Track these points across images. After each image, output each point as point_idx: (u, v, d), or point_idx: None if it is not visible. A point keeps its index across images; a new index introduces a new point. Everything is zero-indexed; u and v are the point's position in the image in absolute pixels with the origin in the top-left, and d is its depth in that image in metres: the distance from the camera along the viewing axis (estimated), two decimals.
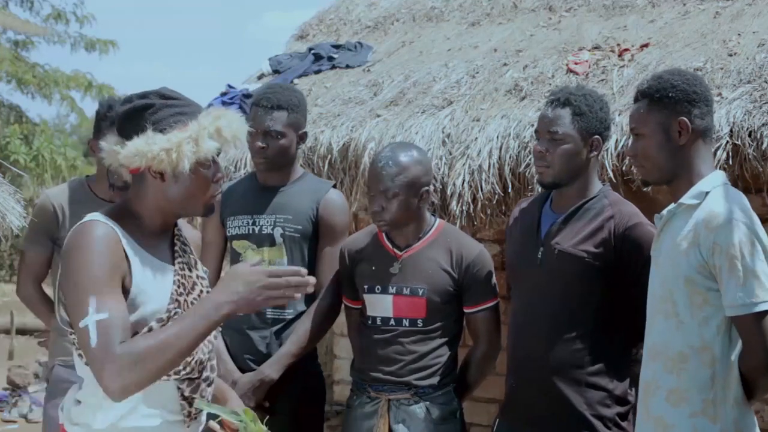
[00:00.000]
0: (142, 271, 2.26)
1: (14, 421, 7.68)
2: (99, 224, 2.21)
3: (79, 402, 2.36)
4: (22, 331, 11.02)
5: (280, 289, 2.15)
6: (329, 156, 4.91)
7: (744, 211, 2.53)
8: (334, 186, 3.57)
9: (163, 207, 2.32)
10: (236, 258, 3.51)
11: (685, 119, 2.63)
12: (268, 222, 3.46)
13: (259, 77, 6.07)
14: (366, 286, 3.37)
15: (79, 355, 2.29)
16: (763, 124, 3.94)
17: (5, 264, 15.88)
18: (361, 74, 5.71)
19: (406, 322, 3.31)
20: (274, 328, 3.46)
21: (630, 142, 2.81)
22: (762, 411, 4.80)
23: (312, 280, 2.18)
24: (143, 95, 2.30)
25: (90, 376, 2.25)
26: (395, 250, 3.35)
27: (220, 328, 2.43)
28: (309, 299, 3.45)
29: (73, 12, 14.09)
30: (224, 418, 2.36)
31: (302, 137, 3.54)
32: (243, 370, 3.46)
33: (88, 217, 2.26)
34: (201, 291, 2.41)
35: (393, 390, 3.31)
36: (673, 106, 2.65)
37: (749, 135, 3.95)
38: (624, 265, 3.00)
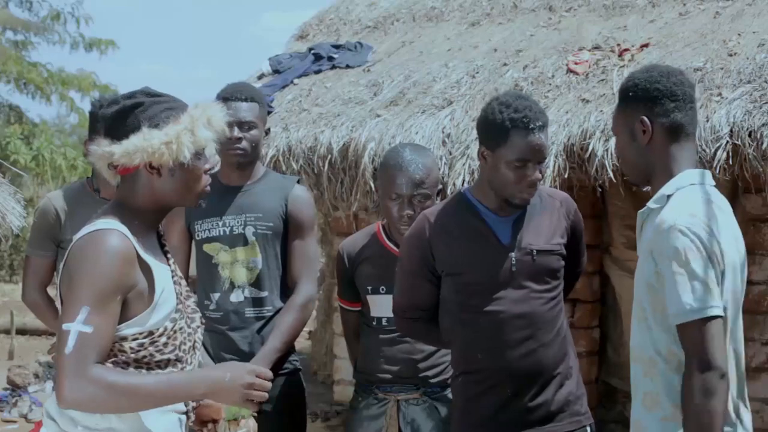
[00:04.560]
0: (159, 271, 2.29)
1: (14, 421, 7.66)
2: (114, 235, 2.20)
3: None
4: (22, 331, 11.02)
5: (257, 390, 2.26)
6: (329, 156, 4.92)
7: (694, 216, 2.40)
8: (299, 182, 3.57)
9: (159, 202, 2.33)
10: (206, 261, 3.48)
11: (645, 118, 2.51)
12: (238, 222, 3.44)
13: (259, 77, 6.07)
14: (370, 287, 3.35)
15: None
16: (763, 124, 3.95)
17: (5, 264, 15.88)
18: (361, 74, 5.72)
19: None
20: (255, 327, 3.46)
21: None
22: (762, 411, 4.80)
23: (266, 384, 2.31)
24: (129, 95, 2.32)
25: None
26: (398, 250, 3.34)
27: (203, 327, 2.48)
28: (285, 294, 3.46)
29: (70, 12, 14.10)
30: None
31: (267, 132, 3.61)
32: None
33: (104, 224, 2.23)
34: (187, 290, 2.45)
35: (401, 390, 3.29)
36: (634, 105, 2.54)
37: (749, 135, 3.96)
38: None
